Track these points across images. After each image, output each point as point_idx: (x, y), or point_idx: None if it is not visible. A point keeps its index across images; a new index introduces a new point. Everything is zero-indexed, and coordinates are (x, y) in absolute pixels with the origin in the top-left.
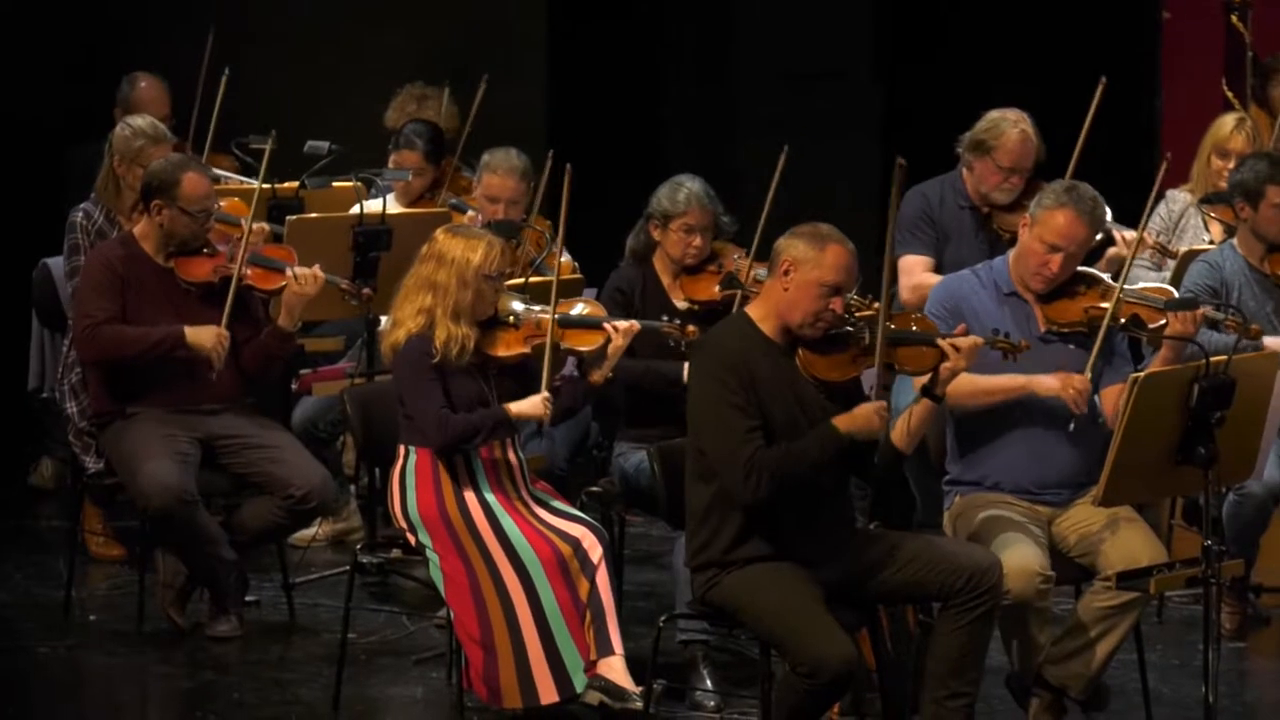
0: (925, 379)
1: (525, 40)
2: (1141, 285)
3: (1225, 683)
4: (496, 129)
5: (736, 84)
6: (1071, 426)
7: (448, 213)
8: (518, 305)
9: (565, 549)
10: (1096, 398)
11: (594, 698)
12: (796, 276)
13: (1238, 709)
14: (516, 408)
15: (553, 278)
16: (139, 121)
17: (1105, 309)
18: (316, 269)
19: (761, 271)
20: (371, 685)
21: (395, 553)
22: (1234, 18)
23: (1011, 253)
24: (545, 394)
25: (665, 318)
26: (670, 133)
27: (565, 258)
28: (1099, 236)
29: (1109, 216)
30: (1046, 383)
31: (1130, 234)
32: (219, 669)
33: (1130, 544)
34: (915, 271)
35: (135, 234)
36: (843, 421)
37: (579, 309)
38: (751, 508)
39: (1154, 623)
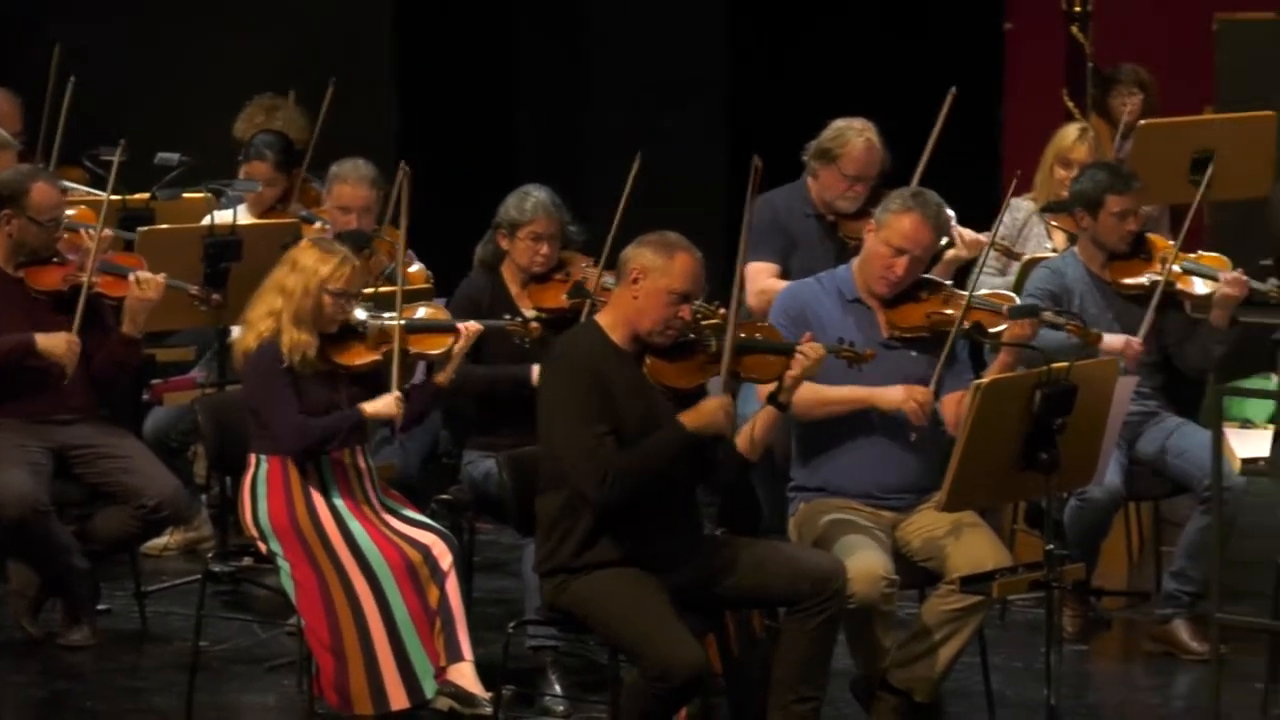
0: (771, 387)
1: (373, 51)
2: (985, 291)
3: (1067, 685)
4: (346, 141)
5: (588, 93)
6: (913, 438)
7: (298, 224)
8: (363, 314)
9: (415, 556)
10: (937, 405)
11: (444, 703)
12: (645, 284)
13: (1080, 711)
14: (371, 407)
15: (405, 285)
16: None
17: (949, 314)
18: (161, 275)
19: (609, 280)
20: (224, 693)
21: (246, 561)
22: (1075, 29)
23: (855, 260)
24: (397, 394)
25: (507, 316)
26: (522, 142)
27: (417, 266)
28: (942, 242)
29: (952, 220)
30: (889, 396)
31: (969, 234)
32: (72, 678)
33: (974, 548)
34: (760, 278)
35: None
36: (689, 417)
37: (422, 313)
38: (605, 509)
39: (997, 626)
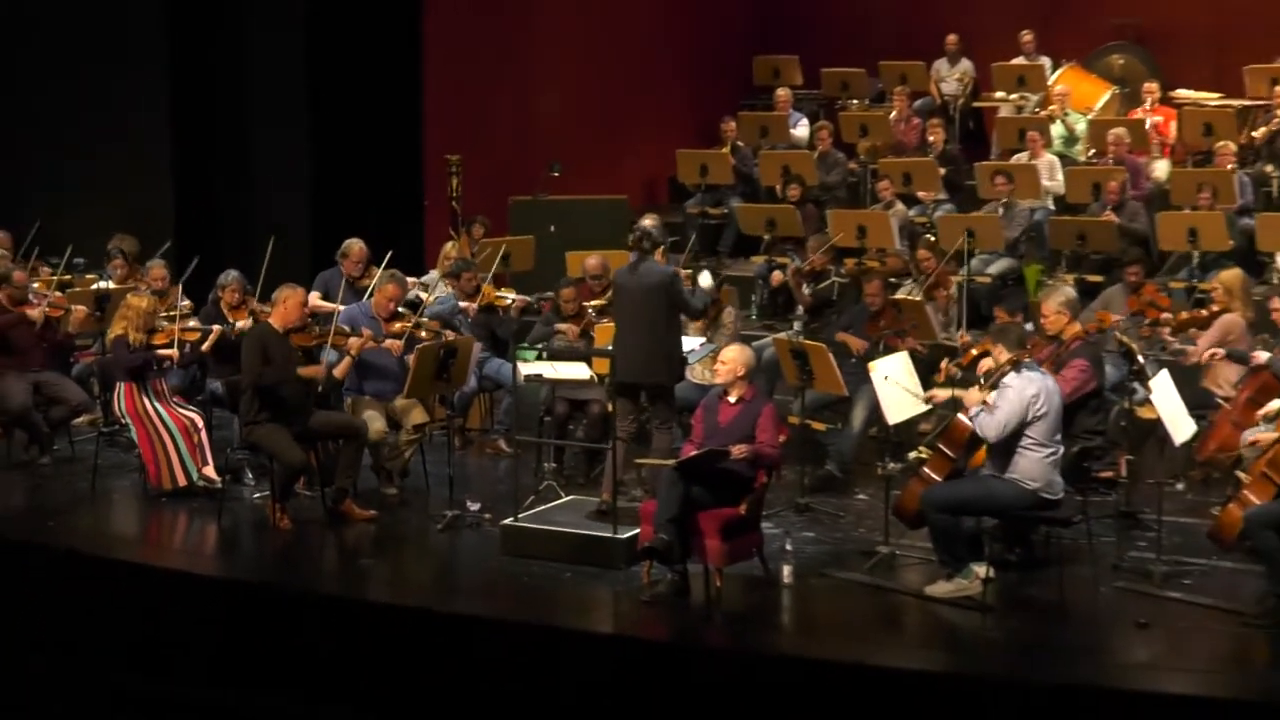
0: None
1: (163, 218)
2: (427, 315)
3: (457, 470)
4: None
5: (262, 224)
6: (404, 356)
7: (135, 286)
8: (165, 322)
9: (188, 421)
10: (409, 358)
11: (203, 481)
12: (287, 305)
13: (463, 481)
14: (162, 351)
15: (184, 310)
16: None
17: (409, 326)
18: (79, 307)
19: (265, 306)
20: (109, 481)
21: (115, 427)
22: (453, 202)
23: (375, 297)
24: (176, 345)
25: (217, 326)
26: (218, 237)
27: (187, 301)
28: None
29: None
30: (397, 343)
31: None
32: (39, 481)
33: (417, 415)
34: (315, 300)
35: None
36: (304, 371)
37: (192, 323)
38: (261, 395)
39: (429, 444)
